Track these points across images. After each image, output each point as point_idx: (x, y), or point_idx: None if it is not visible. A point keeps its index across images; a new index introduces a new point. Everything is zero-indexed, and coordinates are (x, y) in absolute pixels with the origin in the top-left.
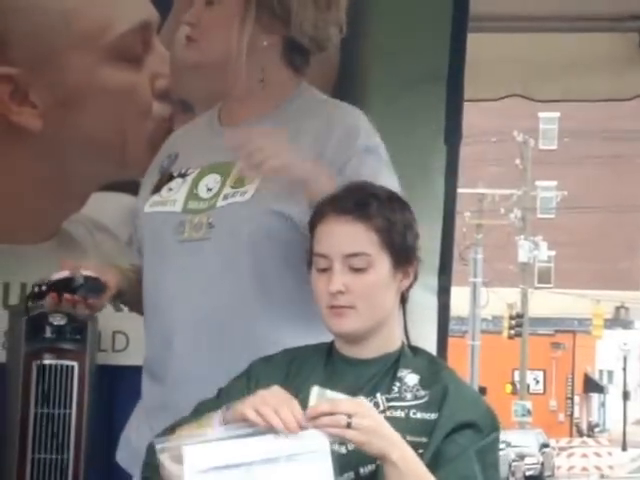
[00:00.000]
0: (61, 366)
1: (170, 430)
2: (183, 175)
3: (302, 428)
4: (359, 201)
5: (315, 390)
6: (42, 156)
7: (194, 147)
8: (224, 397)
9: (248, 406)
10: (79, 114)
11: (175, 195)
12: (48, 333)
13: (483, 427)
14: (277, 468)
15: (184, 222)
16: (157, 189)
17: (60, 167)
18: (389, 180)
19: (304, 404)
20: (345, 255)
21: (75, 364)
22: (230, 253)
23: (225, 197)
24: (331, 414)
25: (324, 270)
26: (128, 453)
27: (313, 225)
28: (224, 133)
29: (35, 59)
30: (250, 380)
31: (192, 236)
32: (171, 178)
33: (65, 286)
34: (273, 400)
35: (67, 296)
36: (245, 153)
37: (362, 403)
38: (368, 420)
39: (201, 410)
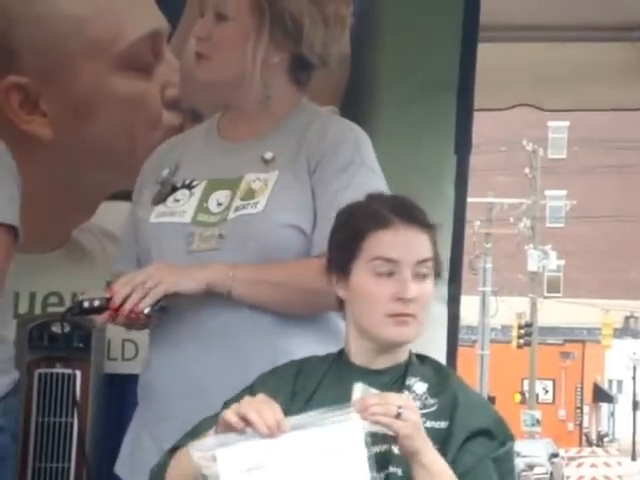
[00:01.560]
0: (63, 374)
1: (172, 450)
2: (188, 187)
3: (282, 431)
4: (421, 211)
5: (359, 386)
6: (52, 165)
7: (195, 159)
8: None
9: (230, 412)
10: (89, 123)
11: (183, 206)
12: (52, 342)
13: (496, 434)
14: (309, 461)
15: (194, 233)
16: (161, 199)
17: (70, 176)
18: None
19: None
20: (416, 262)
21: (78, 372)
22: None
23: (236, 209)
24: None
25: (386, 276)
26: (128, 465)
27: (367, 232)
28: (228, 149)
29: (45, 68)
30: (252, 393)
31: (201, 247)
32: (175, 189)
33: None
34: (254, 404)
35: (130, 315)
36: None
37: (409, 399)
38: (415, 415)
39: (202, 424)
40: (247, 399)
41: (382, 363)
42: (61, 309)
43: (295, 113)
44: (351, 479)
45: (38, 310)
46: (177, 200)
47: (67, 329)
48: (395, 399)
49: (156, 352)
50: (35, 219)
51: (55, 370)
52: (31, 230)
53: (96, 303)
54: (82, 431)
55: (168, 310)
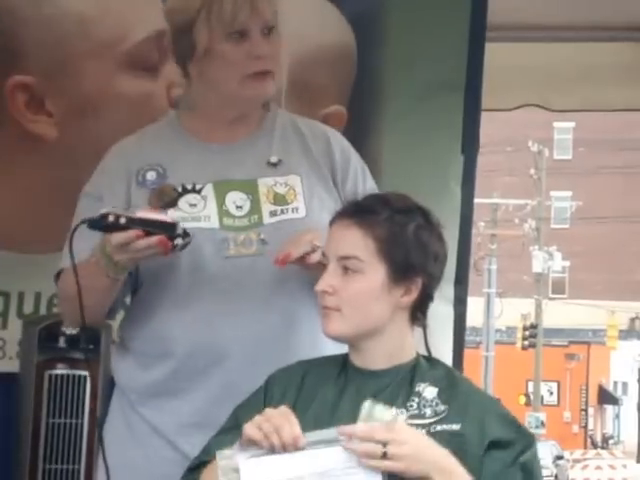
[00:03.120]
0: (73, 376)
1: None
2: (194, 191)
3: (298, 449)
4: (366, 208)
5: (366, 405)
6: (57, 165)
7: (183, 162)
8: (238, 411)
9: (252, 426)
10: (95, 123)
11: (204, 211)
12: (61, 343)
13: (516, 442)
14: (330, 477)
15: (227, 239)
16: (169, 204)
17: (75, 176)
18: None
19: (318, 415)
20: (339, 257)
21: (87, 374)
22: (287, 268)
23: (273, 214)
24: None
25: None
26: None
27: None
28: (216, 150)
29: (51, 67)
30: (267, 392)
31: (241, 252)
32: (180, 193)
33: (160, 228)
34: (274, 419)
35: (164, 240)
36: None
37: (400, 429)
38: (405, 448)
39: (216, 440)
40: (268, 412)
41: (376, 364)
42: None
43: (271, 115)
44: None
45: (43, 310)
46: (193, 205)
47: (76, 331)
48: (381, 434)
49: (188, 357)
50: (40, 219)
51: (65, 371)
52: (36, 230)
53: (123, 220)
54: (92, 433)
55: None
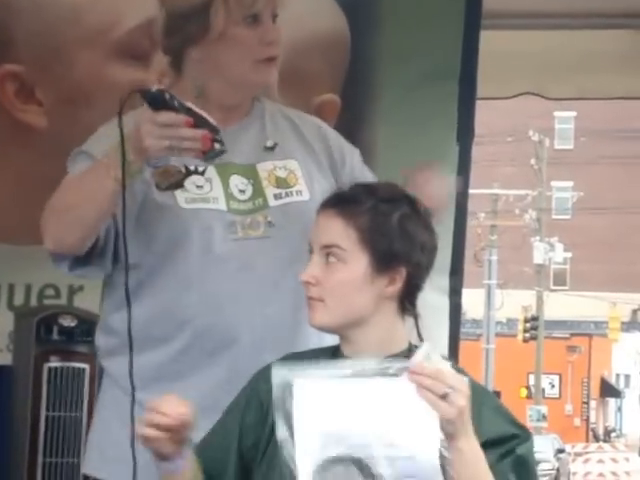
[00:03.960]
0: (72, 368)
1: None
2: (198, 172)
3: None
4: (349, 197)
5: (425, 347)
6: (48, 155)
7: None
8: (223, 416)
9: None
10: (85, 112)
11: (211, 193)
12: (58, 335)
13: (511, 435)
14: (376, 405)
15: (234, 221)
16: (175, 185)
17: (64, 166)
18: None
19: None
20: (322, 246)
21: (86, 366)
22: (294, 250)
23: (278, 197)
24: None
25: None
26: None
27: None
28: None
29: (41, 56)
30: (252, 389)
31: (248, 234)
32: (185, 175)
33: (207, 126)
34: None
35: (208, 137)
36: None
37: (464, 381)
38: (463, 400)
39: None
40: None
41: (372, 354)
42: (57, 301)
43: (256, 103)
44: (419, 423)
45: (34, 302)
46: (199, 186)
47: (74, 322)
48: (448, 378)
49: (197, 339)
50: (30, 210)
51: (65, 364)
52: (26, 221)
53: (175, 103)
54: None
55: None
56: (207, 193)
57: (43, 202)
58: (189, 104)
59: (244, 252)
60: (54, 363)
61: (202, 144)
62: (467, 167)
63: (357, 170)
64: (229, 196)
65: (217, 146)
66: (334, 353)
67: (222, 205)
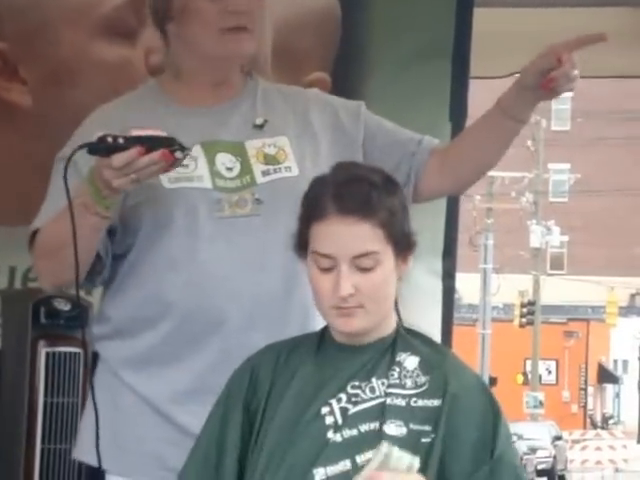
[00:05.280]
0: (70, 354)
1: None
2: (182, 150)
3: None
4: (362, 197)
5: (383, 449)
6: (32, 134)
7: (166, 127)
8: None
9: None
10: (71, 90)
11: (195, 171)
12: (53, 319)
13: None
14: None
15: (220, 199)
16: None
17: (51, 145)
18: None
19: (299, 395)
20: (352, 257)
21: (81, 351)
22: (284, 228)
23: (266, 173)
24: None
25: (327, 270)
26: (111, 451)
27: (310, 221)
28: (200, 113)
29: (25, 33)
30: (232, 386)
31: (236, 212)
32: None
33: (159, 143)
34: None
35: (167, 153)
36: None
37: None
38: None
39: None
40: None
41: (366, 339)
42: None
43: (249, 81)
44: None
45: (18, 285)
46: (184, 165)
47: (68, 306)
48: None
49: (185, 322)
50: (15, 190)
51: (63, 349)
52: (11, 202)
53: (120, 140)
54: None
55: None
56: (192, 172)
57: (27, 182)
58: (134, 132)
59: (231, 231)
60: (52, 348)
61: (163, 162)
62: None
63: (370, 119)
64: (215, 174)
65: (178, 154)
66: (320, 340)
67: (207, 183)
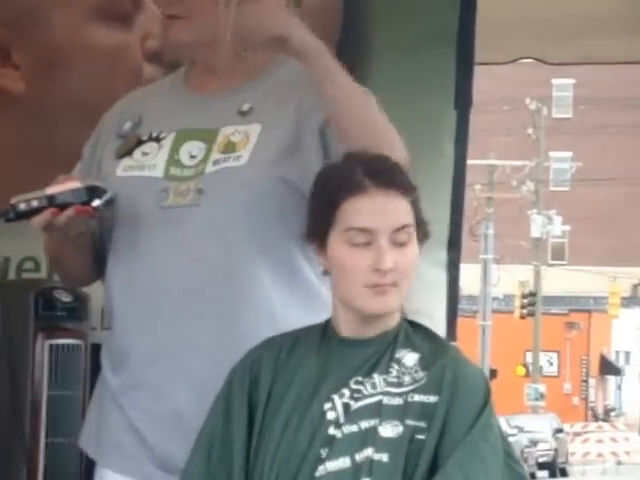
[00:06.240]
0: (72, 346)
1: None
2: (156, 139)
3: None
4: (396, 173)
5: None
6: (25, 120)
7: (161, 111)
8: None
9: None
10: (65, 76)
11: (153, 160)
12: (54, 310)
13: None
14: None
15: (167, 188)
16: (125, 153)
17: (45, 132)
18: None
19: (301, 391)
20: (393, 229)
21: (82, 343)
22: (223, 220)
23: (216, 162)
24: None
25: (363, 245)
26: (94, 441)
27: (342, 198)
28: (197, 101)
29: (17, 17)
30: (233, 380)
31: (177, 202)
32: (141, 142)
33: (74, 197)
34: None
35: (81, 208)
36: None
37: None
38: None
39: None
40: None
41: (371, 332)
42: (37, 275)
43: (274, 67)
44: None
45: (12, 275)
46: (145, 153)
47: (69, 298)
48: None
49: (123, 313)
50: (8, 178)
51: (66, 341)
52: (5, 190)
53: (34, 203)
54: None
55: (114, 204)
56: (148, 161)
57: (22, 169)
58: (49, 190)
59: (171, 221)
60: (55, 340)
61: (82, 216)
62: (465, 135)
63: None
64: (172, 162)
65: (96, 202)
66: (323, 333)
67: (158, 172)
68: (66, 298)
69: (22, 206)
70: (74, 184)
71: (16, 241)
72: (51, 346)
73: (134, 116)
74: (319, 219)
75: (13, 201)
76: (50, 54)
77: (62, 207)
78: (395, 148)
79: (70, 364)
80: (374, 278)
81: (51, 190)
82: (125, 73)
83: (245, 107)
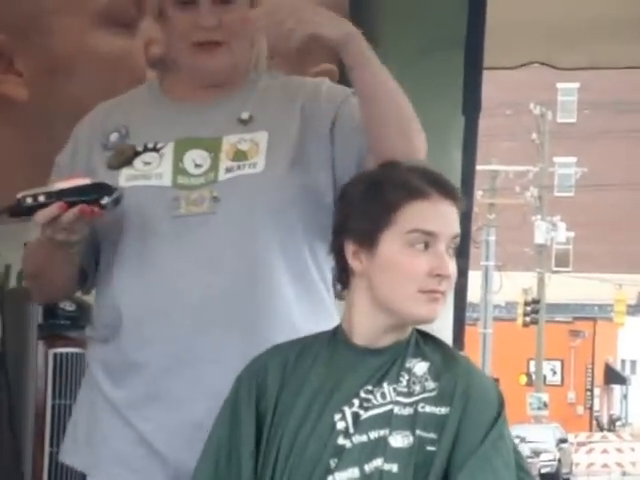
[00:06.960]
0: (75, 354)
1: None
2: (154, 149)
3: None
4: (451, 184)
5: None
6: (28, 127)
7: (149, 121)
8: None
9: None
10: (68, 82)
11: (157, 169)
12: (59, 319)
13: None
14: None
15: (178, 197)
16: (122, 164)
17: (48, 139)
18: None
19: (311, 400)
20: (452, 236)
21: (84, 352)
22: (243, 227)
23: (229, 170)
24: None
25: (421, 249)
26: (86, 456)
27: (406, 201)
28: (188, 110)
29: (20, 24)
30: (239, 388)
31: (191, 211)
32: (137, 153)
33: (82, 194)
34: None
35: (87, 208)
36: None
37: None
38: None
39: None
40: None
41: (385, 341)
42: None
43: (255, 75)
44: None
45: (13, 283)
46: (147, 163)
47: (73, 307)
48: None
49: (139, 325)
50: (11, 185)
51: (70, 350)
52: (6, 197)
53: (41, 198)
54: None
55: (122, 202)
56: (152, 170)
57: (25, 177)
58: (57, 185)
59: (186, 230)
60: (60, 349)
61: (89, 214)
62: (473, 141)
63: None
64: (179, 171)
65: (105, 200)
66: (334, 342)
67: (166, 181)
68: (69, 307)
69: (29, 200)
70: (82, 180)
71: (17, 249)
72: (55, 355)
73: (120, 127)
74: (371, 220)
75: (19, 196)
76: (53, 61)
77: (70, 205)
78: (420, 137)
79: (73, 373)
80: (430, 284)
81: (61, 184)
82: (128, 79)
83: (245, 115)
